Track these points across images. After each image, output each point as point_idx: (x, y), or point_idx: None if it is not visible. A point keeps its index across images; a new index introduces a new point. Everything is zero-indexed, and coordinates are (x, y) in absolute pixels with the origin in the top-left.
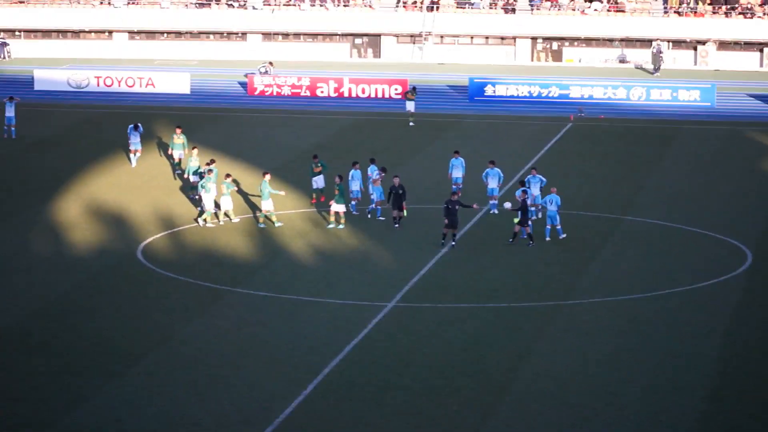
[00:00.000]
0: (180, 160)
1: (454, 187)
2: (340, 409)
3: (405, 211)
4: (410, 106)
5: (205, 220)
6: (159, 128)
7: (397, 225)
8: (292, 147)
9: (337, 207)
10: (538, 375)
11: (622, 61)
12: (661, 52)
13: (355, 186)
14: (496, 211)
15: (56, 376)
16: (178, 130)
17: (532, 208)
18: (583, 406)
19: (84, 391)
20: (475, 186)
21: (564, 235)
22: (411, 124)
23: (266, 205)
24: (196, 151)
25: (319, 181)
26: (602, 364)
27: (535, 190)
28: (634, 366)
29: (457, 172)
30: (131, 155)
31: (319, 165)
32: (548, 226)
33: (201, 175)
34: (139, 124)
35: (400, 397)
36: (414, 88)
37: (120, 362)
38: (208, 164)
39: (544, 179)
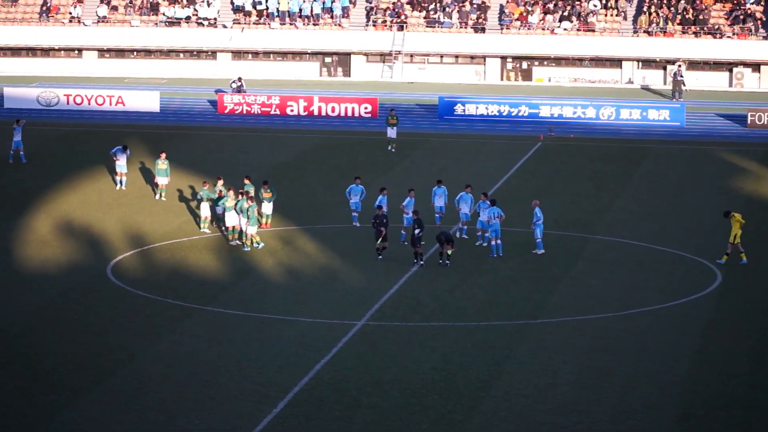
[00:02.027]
0: (165, 186)
1: (437, 216)
2: (309, 427)
3: (386, 241)
4: (391, 132)
5: (236, 238)
6: (129, 146)
7: (381, 257)
8: (261, 165)
9: (251, 229)
10: (507, 393)
11: (630, 82)
12: (681, 76)
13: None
14: (466, 236)
15: (23, 393)
16: (163, 155)
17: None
18: (552, 425)
19: (51, 409)
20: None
21: (501, 254)
22: (390, 149)
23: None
24: (221, 182)
25: (267, 208)
26: (572, 382)
27: (465, 208)
28: (603, 385)
29: (440, 201)
30: (117, 178)
31: (269, 191)
32: (493, 242)
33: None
34: (126, 146)
35: (370, 415)
36: (392, 111)
37: (88, 379)
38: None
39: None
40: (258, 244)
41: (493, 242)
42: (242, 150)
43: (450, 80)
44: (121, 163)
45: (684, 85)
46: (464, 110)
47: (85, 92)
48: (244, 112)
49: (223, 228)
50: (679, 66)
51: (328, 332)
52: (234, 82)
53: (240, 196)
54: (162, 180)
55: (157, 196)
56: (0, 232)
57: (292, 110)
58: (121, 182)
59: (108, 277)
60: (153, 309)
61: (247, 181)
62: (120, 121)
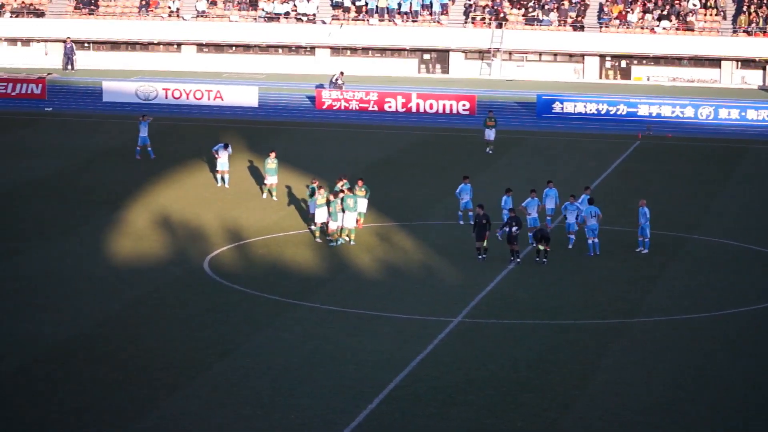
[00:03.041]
0: (274, 185)
1: (548, 219)
2: (404, 423)
3: (486, 242)
4: (489, 134)
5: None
6: (228, 141)
7: (483, 256)
8: (359, 162)
9: (333, 224)
10: (602, 392)
11: (745, 82)
12: None
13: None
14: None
15: (121, 387)
16: (272, 154)
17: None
18: (647, 424)
19: (148, 403)
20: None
21: (598, 252)
22: (488, 151)
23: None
24: (341, 183)
25: (362, 205)
26: (667, 382)
27: (550, 204)
28: (699, 385)
29: (550, 203)
30: (218, 175)
31: (363, 189)
32: (590, 240)
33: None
34: (228, 144)
35: (465, 413)
36: (490, 112)
37: (185, 374)
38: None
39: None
40: (336, 241)
41: (590, 241)
42: (340, 146)
43: (548, 78)
44: (223, 160)
45: None
46: (562, 108)
47: (184, 86)
48: (342, 108)
49: (313, 225)
50: None
51: (424, 329)
52: (337, 78)
53: (335, 195)
54: (271, 179)
55: (265, 195)
56: (98, 226)
57: (389, 107)
58: (223, 179)
59: (205, 271)
60: (249, 303)
61: (344, 180)
62: (218, 116)
